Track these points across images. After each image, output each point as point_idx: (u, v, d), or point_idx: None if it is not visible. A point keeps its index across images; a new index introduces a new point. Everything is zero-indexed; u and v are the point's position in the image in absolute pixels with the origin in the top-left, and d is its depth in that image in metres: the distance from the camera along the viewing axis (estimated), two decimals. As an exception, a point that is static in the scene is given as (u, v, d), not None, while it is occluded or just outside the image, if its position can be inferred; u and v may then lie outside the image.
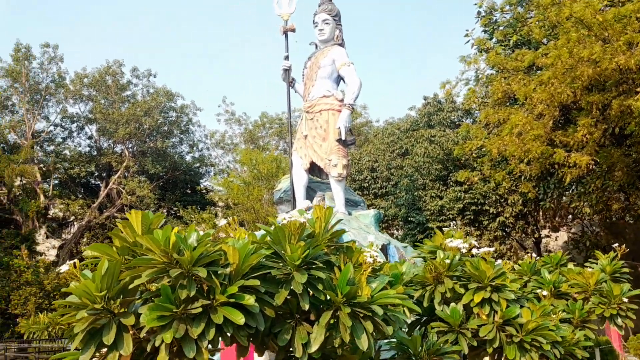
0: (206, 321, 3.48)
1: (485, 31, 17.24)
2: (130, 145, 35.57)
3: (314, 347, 3.76)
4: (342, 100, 16.79)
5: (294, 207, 17.21)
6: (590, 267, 8.09)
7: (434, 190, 21.32)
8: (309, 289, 3.82)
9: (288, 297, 3.81)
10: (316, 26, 17.43)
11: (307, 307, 3.73)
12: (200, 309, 3.44)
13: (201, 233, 3.84)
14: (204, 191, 39.44)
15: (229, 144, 39.30)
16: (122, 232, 4.08)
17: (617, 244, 8.16)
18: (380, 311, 3.77)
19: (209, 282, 3.59)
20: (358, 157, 26.92)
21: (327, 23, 17.24)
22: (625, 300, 7.18)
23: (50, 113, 35.67)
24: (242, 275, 3.72)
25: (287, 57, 17.80)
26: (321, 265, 3.89)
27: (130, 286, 3.59)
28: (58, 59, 33.52)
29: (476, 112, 23.88)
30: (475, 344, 5.17)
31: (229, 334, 3.54)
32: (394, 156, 25.32)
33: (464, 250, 5.55)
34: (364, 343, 3.75)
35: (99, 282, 3.61)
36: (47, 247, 36.96)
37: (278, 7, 18.12)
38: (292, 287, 3.78)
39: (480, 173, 17.39)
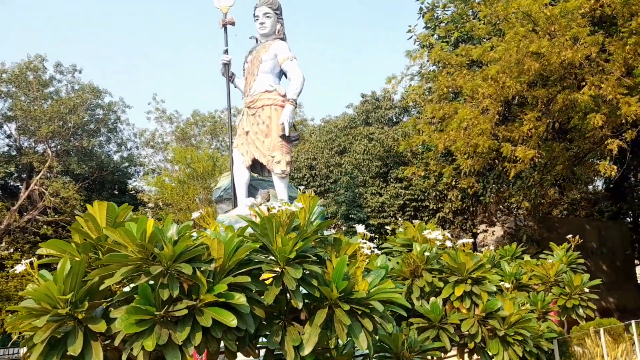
0: (191, 324, 3.06)
1: (427, 27, 17.34)
2: (53, 145, 33.69)
3: (307, 349, 3.40)
4: (284, 96, 16.38)
5: (235, 205, 16.66)
6: (546, 259, 8.12)
7: (374, 187, 21.29)
8: (300, 286, 3.46)
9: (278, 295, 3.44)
10: (257, 19, 16.93)
11: (300, 305, 3.37)
12: (185, 311, 3.01)
13: (178, 226, 3.41)
14: (133, 192, 37.98)
15: (159, 143, 38.02)
16: (82, 227, 3.59)
17: (571, 236, 8.23)
18: (380, 307, 3.46)
19: (192, 280, 3.17)
20: (296, 155, 26.61)
21: (268, 16, 16.78)
22: (587, 290, 7.21)
23: (-35, 110, 33.29)
24: (227, 272, 3.32)
25: (226, 51, 17.22)
26: (315, 259, 3.54)
27: (101, 287, 3.12)
28: (-27, 52, 31.29)
29: (413, 110, 24.07)
30: (457, 339, 4.95)
31: (216, 338, 3.14)
32: (332, 154, 25.16)
33: (438, 243, 5.34)
34: (362, 342, 3.43)
35: (62, 283, 3.12)
36: (-38, 253, 34.49)
37: (217, 0, 17.57)
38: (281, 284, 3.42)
39: (425, 168, 17.47)
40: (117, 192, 37.46)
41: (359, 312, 3.49)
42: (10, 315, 20.26)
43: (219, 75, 16.80)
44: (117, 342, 3.00)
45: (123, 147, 36.70)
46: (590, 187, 27.15)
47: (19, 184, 36.13)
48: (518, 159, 12.50)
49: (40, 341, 3.01)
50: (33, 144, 34.67)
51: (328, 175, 24.58)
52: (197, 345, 3.03)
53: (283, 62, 16.51)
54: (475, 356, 5.48)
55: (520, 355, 4.90)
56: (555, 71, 11.66)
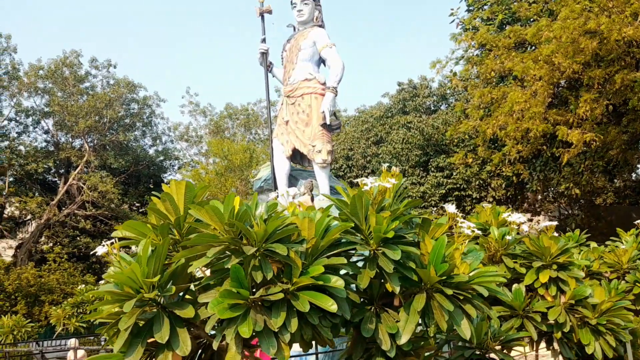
0: (286, 310, 2.81)
1: (469, 10, 16.82)
2: (90, 139, 34.05)
3: (404, 337, 3.13)
4: (324, 84, 16.11)
5: (276, 196, 16.54)
6: (617, 245, 7.71)
7: (414, 176, 20.93)
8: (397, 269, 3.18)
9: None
10: (294, 7, 16.68)
11: (397, 289, 3.10)
12: (281, 295, 2.76)
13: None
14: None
15: (193, 137, 38.13)
16: (159, 208, 3.38)
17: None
18: (485, 292, 3.16)
19: (282, 262, 2.92)
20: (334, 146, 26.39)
21: (306, 4, 16.51)
22: (665, 277, 6.80)
23: (4, 107, 33.82)
24: (319, 253, 3.06)
25: (264, 40, 17.01)
26: (411, 239, 3.26)
27: (189, 269, 2.89)
28: (11, 49, 31.74)
29: (451, 97, 23.57)
30: (544, 328, 4.63)
31: (312, 325, 2.88)
32: (369, 144, 24.81)
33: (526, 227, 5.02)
34: (465, 330, 3.14)
35: (145, 266, 2.90)
36: (3, 247, 35.16)
37: (253, -12, 17.35)
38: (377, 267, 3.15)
39: (473, 155, 16.99)
40: (152, 186, 37.73)
41: (461, 298, 3.20)
42: (53, 307, 20.48)
43: (254, 66, 16.52)
44: (208, 329, 2.77)
45: (158, 141, 36.93)
46: (633, 175, 26.32)
47: (57, 179, 36.65)
48: (572, 143, 12.00)
49: (125, 328, 2.79)
50: (70, 139, 35.10)
51: (365, 166, 24.26)
52: (293, 332, 2.78)
53: (322, 49, 16.22)
54: (555, 346, 5.14)
55: (614, 345, 4.56)
56: (612, 50, 11.14)
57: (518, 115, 12.18)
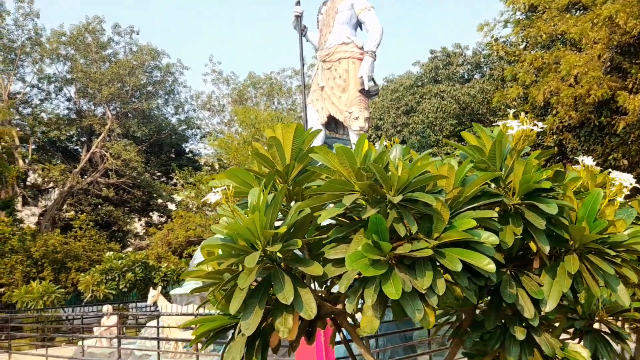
0: (431, 269, 2.40)
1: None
2: (112, 107, 33.77)
3: (550, 305, 2.70)
4: (362, 48, 15.57)
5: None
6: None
7: (448, 147, 20.38)
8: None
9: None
10: (331, -32, 16.07)
11: (547, 249, 2.68)
12: (429, 251, 2.34)
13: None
14: (190, 154, 37.98)
15: (215, 106, 37.70)
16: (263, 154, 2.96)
17: None
18: (647, 253, 2.73)
19: (423, 214, 2.51)
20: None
21: (342, -35, 15.90)
22: None
23: (26, 73, 33.61)
24: (461, 206, 2.64)
25: (298, 2, 16.44)
26: (561, 191, 2.83)
27: (320, 220, 2.48)
28: (34, 14, 31.33)
29: (485, 67, 22.87)
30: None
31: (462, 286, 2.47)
32: (399, 114, 24.24)
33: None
34: (624, 297, 2.72)
35: (263, 217, 2.50)
36: (26, 214, 35.24)
37: (287, -51, 16.72)
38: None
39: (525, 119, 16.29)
40: (173, 156, 37.54)
41: (619, 260, 2.76)
42: (82, 274, 20.43)
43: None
44: (343, 288, 2.37)
45: (180, 110, 36.60)
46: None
47: (79, 147, 36.54)
48: (626, 112, 11.41)
49: (243, 287, 2.40)
50: (93, 107, 34.88)
51: (395, 136, 23.75)
52: (441, 294, 2.37)
53: (361, 12, 15.64)
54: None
55: None
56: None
57: (571, 81, 11.57)
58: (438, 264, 2.52)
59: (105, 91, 31.12)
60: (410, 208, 2.52)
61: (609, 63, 11.62)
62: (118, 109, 33.85)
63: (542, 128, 2.88)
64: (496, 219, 2.66)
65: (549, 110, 13.58)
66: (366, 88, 14.95)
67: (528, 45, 14.23)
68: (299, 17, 16.12)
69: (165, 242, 26.22)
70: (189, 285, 12.44)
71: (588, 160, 3.28)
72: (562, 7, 12.85)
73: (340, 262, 2.42)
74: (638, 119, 12.04)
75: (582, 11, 12.96)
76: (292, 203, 2.85)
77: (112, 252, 20.73)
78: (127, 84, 32.46)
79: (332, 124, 16.24)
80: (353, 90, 15.06)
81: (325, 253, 2.44)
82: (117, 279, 19.08)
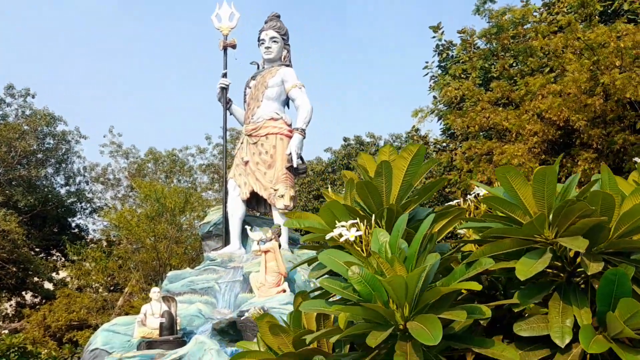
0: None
1: (440, 67, 16.55)
2: (-4, 172, 30.73)
3: None
4: (290, 125, 15.14)
5: (226, 242, 14.96)
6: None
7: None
8: None
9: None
10: (262, 43, 15.79)
11: None
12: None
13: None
14: (76, 230, 35.11)
15: (110, 179, 35.51)
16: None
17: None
18: None
19: None
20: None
21: (275, 41, 15.70)
22: None
23: None
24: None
25: (225, 75, 15.95)
26: None
27: (521, 277, 1.70)
28: None
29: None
30: None
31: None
32: (309, 198, 23.87)
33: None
34: None
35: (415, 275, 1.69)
36: None
37: (217, 20, 16.32)
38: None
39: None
40: (56, 230, 34.51)
41: None
42: None
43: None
44: None
45: (71, 181, 34.02)
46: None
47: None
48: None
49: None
50: (-28, 171, 31.58)
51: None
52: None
53: (291, 89, 15.30)
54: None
55: None
56: (614, 110, 10.96)
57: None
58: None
59: (-11, 154, 28.39)
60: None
61: (542, 156, 11.94)
62: (2, 175, 30.88)
63: None
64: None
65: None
66: (294, 165, 14.40)
67: (457, 135, 14.51)
68: (224, 89, 15.56)
69: (42, 326, 23.34)
70: None
71: None
72: (492, 101, 13.29)
73: (533, 341, 1.63)
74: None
75: (512, 106, 13.48)
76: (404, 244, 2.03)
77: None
78: (16, 149, 29.87)
79: (253, 201, 15.42)
80: (280, 167, 14.45)
81: (514, 327, 1.64)
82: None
